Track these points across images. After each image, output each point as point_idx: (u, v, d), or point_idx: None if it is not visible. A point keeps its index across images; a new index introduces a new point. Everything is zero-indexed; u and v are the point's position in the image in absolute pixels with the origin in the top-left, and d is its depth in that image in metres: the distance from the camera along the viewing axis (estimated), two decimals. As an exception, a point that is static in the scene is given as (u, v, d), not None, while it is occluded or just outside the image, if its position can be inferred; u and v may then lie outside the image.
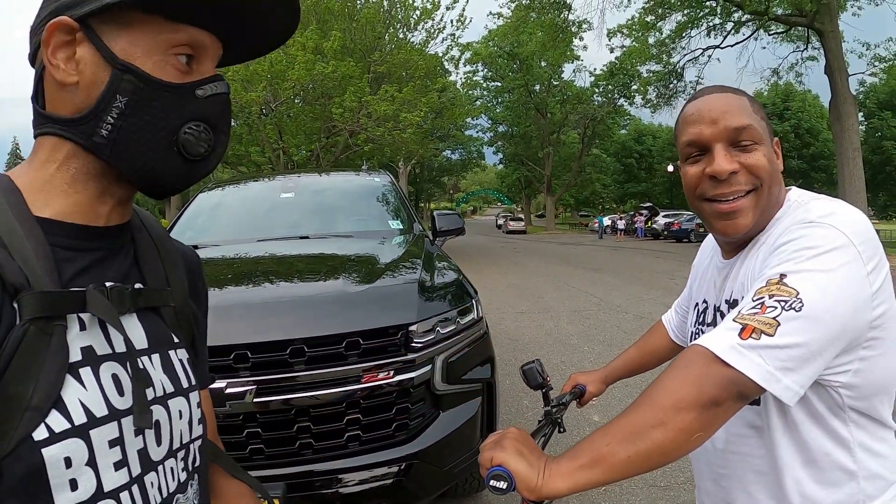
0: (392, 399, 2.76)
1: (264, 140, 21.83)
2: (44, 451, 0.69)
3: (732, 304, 1.31)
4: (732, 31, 27.47)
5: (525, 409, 5.68)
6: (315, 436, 2.67)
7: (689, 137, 1.27)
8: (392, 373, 2.74)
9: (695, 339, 1.45)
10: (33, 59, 0.84)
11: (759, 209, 1.24)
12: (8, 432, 0.68)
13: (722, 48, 28.54)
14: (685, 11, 27.35)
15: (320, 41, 20.22)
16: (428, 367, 2.85)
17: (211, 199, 5.42)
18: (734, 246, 1.35)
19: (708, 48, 29.01)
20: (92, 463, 0.74)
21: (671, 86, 32.05)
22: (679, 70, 30.82)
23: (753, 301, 1.06)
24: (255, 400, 2.56)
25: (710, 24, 27.80)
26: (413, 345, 2.82)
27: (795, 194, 1.30)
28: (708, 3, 26.69)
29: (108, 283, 0.81)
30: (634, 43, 31.59)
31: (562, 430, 1.68)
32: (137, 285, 0.88)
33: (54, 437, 0.70)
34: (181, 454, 0.90)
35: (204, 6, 0.82)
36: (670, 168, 55.19)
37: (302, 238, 4.33)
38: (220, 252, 4.02)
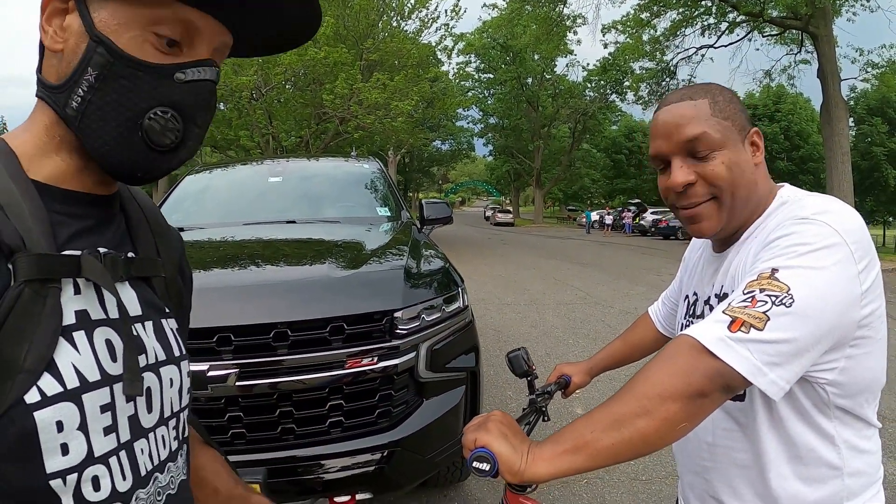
0: (375, 385, 2.75)
1: (254, 125, 21.71)
2: (36, 414, 0.68)
3: (722, 297, 1.30)
4: (727, 32, 27.52)
5: (509, 399, 5.68)
6: (297, 421, 2.65)
7: (652, 152, 1.30)
8: (376, 359, 2.72)
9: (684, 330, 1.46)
10: None
11: (725, 212, 1.25)
12: (1, 395, 0.67)
13: (716, 48, 28.60)
14: (680, 10, 27.35)
15: (313, 27, 20.08)
16: (412, 355, 2.84)
17: (198, 182, 5.39)
18: (721, 242, 1.36)
19: (702, 47, 29.06)
20: (83, 427, 0.73)
21: (664, 83, 32.06)
22: (672, 68, 30.85)
23: (744, 294, 1.06)
24: (238, 383, 2.53)
25: (705, 23, 27.83)
26: (398, 331, 2.80)
27: (787, 191, 1.29)
28: (703, 3, 26.70)
29: (101, 250, 0.80)
30: (628, 39, 31.56)
31: (546, 418, 1.67)
32: (129, 254, 0.88)
33: (46, 401, 0.69)
34: (172, 423, 0.90)
35: None
36: (660, 165, 55.21)
37: (289, 223, 4.31)
38: (205, 235, 3.98)
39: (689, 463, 1.42)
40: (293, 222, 4.32)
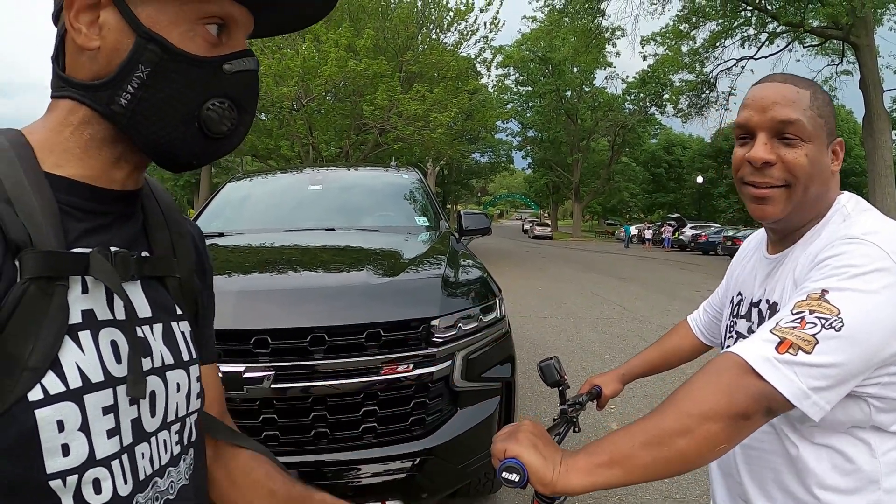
0: (410, 393, 2.75)
1: (294, 135, 21.95)
2: (37, 412, 0.68)
3: (772, 306, 1.30)
4: (767, 43, 27.17)
5: (543, 413, 5.63)
6: (331, 425, 2.66)
7: (739, 120, 1.29)
8: (412, 366, 2.72)
9: (729, 331, 1.49)
10: (56, 17, 0.81)
11: (793, 204, 1.24)
12: (4, 392, 0.66)
13: (756, 59, 28.26)
14: (719, 21, 27.10)
15: (353, 39, 20.31)
16: (448, 363, 2.83)
17: (239, 189, 5.47)
18: (780, 236, 1.35)
19: (741, 59, 28.75)
20: (85, 428, 0.72)
21: (703, 96, 31.81)
22: (712, 80, 30.57)
23: (793, 314, 1.05)
24: (273, 386, 2.55)
25: (745, 34, 27.54)
26: (434, 339, 2.80)
27: (846, 199, 1.30)
28: (743, 14, 26.42)
29: (112, 248, 0.80)
30: (667, 51, 31.37)
31: (577, 429, 1.66)
32: (144, 253, 0.87)
33: (48, 399, 0.69)
34: (176, 427, 0.88)
35: None
36: (699, 179, 54.72)
37: (328, 230, 4.34)
38: (245, 240, 4.04)
39: (721, 464, 1.42)
40: (332, 230, 4.34)
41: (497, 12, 27.02)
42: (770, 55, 27.90)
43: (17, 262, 0.69)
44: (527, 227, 63.80)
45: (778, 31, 26.16)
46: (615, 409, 5.57)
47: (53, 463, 0.69)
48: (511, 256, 28.18)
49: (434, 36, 27.09)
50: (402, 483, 2.69)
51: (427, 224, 4.76)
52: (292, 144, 22.60)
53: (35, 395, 0.68)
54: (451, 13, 26.14)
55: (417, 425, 2.78)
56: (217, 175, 34.11)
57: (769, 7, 24.90)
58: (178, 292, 0.93)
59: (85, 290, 0.75)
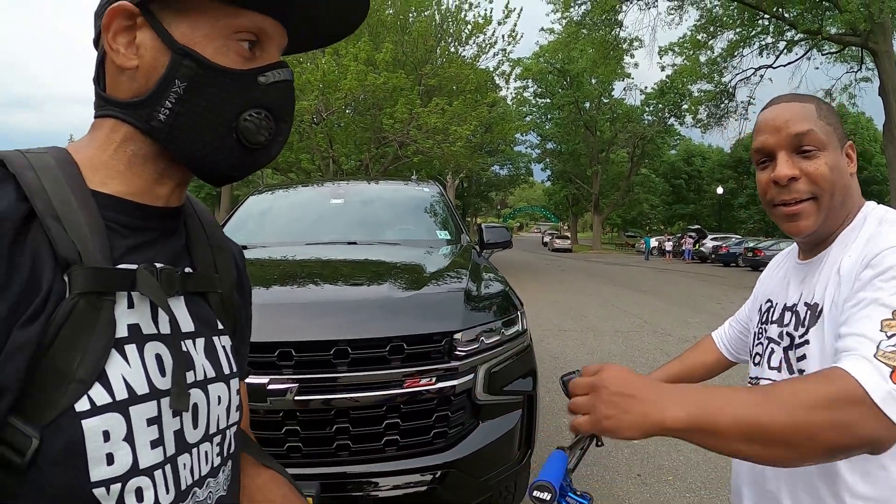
0: (432, 406, 2.76)
1: (315, 148, 22.07)
2: (84, 422, 0.70)
3: (813, 306, 1.30)
4: (785, 51, 27.09)
5: (564, 426, 5.61)
6: (353, 438, 2.67)
7: (757, 145, 1.34)
8: (434, 379, 2.73)
9: (758, 338, 1.49)
10: (96, 42, 0.84)
11: (823, 213, 1.28)
12: (52, 403, 0.68)
13: (774, 68, 28.16)
14: (737, 30, 27.04)
15: (372, 53, 20.45)
16: (470, 376, 2.84)
17: (261, 202, 5.50)
18: (812, 246, 1.38)
19: (760, 68, 28.66)
20: (129, 439, 0.74)
21: (722, 105, 31.68)
22: (730, 89, 30.45)
23: (888, 337, 1.03)
24: (296, 398, 2.57)
25: (763, 43, 27.52)
26: (456, 353, 2.81)
27: (874, 205, 1.33)
28: (760, 22, 26.33)
29: (157, 265, 0.82)
30: (686, 61, 31.28)
31: (599, 443, 1.66)
32: (187, 269, 0.89)
33: (95, 410, 0.71)
34: (217, 439, 0.90)
35: None
36: (720, 190, 54.34)
37: (350, 244, 4.37)
38: (268, 253, 4.07)
39: (749, 472, 1.42)
40: (354, 243, 4.37)
41: (515, 25, 27.25)
42: (788, 63, 27.82)
43: (66, 278, 0.71)
44: (546, 239, 63.64)
45: (796, 38, 26.07)
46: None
47: (98, 471, 0.71)
48: (531, 269, 28.12)
49: (453, 49, 27.19)
50: (423, 496, 2.70)
51: (448, 237, 4.77)
52: (313, 157, 22.71)
53: (82, 405, 0.70)
54: (470, 26, 26.25)
55: (439, 438, 2.78)
56: (238, 188, 34.32)
57: (787, 15, 24.81)
58: (220, 308, 0.95)
59: (131, 305, 0.78)
